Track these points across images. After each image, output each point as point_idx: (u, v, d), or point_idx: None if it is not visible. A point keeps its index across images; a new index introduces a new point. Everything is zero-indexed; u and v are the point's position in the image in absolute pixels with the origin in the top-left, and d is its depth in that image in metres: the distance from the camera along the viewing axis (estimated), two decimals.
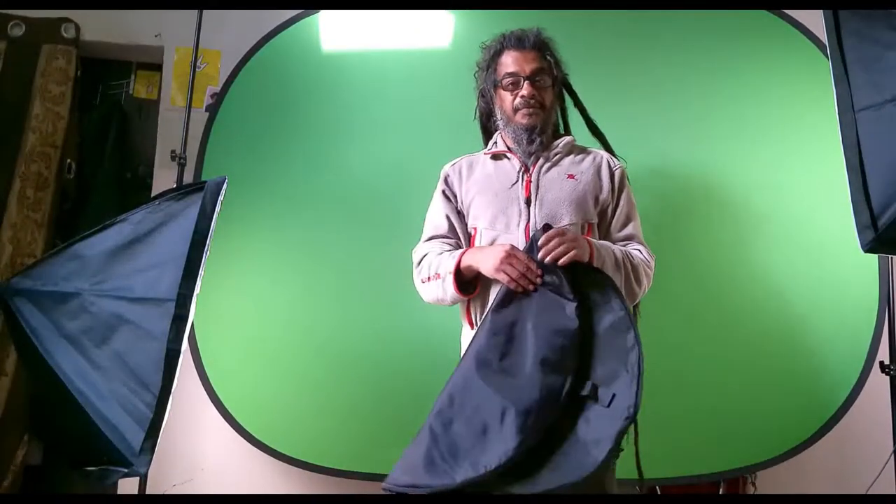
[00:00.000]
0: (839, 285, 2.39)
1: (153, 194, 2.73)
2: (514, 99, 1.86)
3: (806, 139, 2.47)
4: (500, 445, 1.37)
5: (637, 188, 2.47)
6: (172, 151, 2.50)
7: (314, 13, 2.67)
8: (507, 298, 1.62)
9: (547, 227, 1.67)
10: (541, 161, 1.87)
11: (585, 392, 1.48)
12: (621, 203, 1.90)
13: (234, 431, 2.43)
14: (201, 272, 2.04)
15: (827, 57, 1.62)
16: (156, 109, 2.97)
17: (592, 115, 2.05)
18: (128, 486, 2.47)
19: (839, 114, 1.51)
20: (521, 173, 1.86)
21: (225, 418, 2.43)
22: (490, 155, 1.94)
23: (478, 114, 2.04)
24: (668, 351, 2.39)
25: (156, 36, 2.92)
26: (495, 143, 1.97)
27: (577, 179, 1.85)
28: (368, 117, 2.59)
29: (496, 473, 1.37)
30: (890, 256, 2.30)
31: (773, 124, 2.50)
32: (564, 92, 2.01)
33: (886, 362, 2.22)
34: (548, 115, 1.89)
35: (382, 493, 1.46)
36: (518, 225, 1.79)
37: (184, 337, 1.98)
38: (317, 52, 2.66)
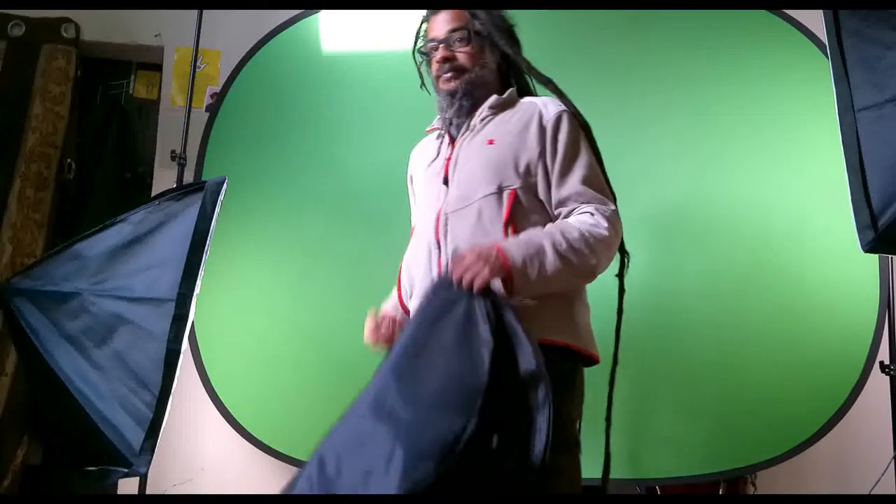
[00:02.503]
0: (839, 285, 2.39)
1: (153, 194, 2.73)
2: (434, 66, 1.67)
3: (806, 139, 2.47)
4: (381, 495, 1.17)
5: (634, 187, 2.48)
6: (172, 151, 2.50)
7: (314, 13, 2.67)
8: (425, 320, 1.36)
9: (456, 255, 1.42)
10: (466, 130, 1.64)
11: (493, 445, 1.20)
12: (558, 155, 1.54)
13: (234, 431, 2.43)
14: (201, 272, 2.04)
15: (827, 57, 1.62)
16: (156, 109, 2.97)
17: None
18: (128, 486, 2.47)
19: (839, 113, 1.51)
20: (440, 148, 1.68)
21: (225, 418, 2.43)
22: (435, 133, 1.76)
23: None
24: (668, 352, 2.40)
25: (156, 36, 2.92)
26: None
27: (496, 144, 1.57)
28: (369, 117, 2.59)
29: None
30: (890, 256, 2.30)
31: (772, 124, 2.50)
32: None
33: (886, 362, 2.22)
34: (473, 75, 1.63)
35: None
36: (434, 209, 1.60)
37: (184, 337, 1.99)
38: (317, 52, 2.66)
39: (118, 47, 2.98)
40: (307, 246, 2.53)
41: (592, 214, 1.48)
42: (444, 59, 1.64)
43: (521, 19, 2.03)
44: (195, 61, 2.58)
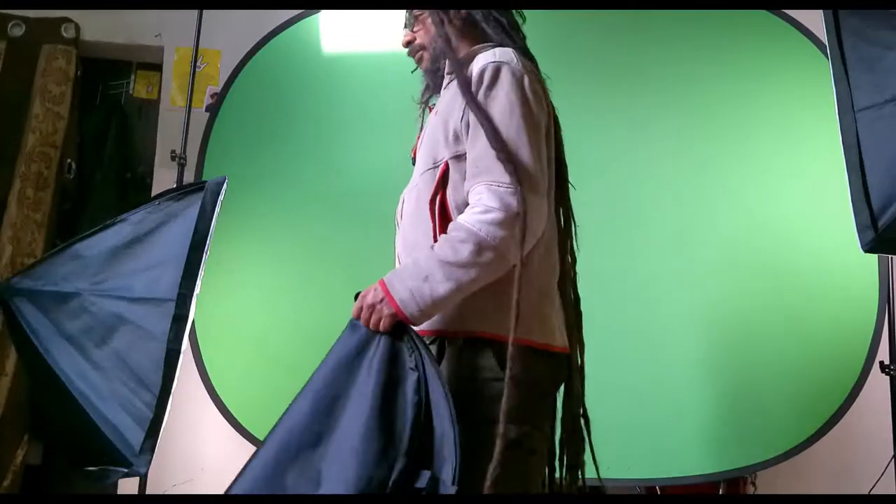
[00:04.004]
0: (839, 285, 2.39)
1: (153, 194, 2.74)
2: None
3: (805, 139, 2.47)
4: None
5: (634, 186, 2.48)
6: (172, 151, 2.50)
7: (314, 13, 2.67)
8: (347, 355, 1.35)
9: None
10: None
11: (421, 484, 1.17)
12: (472, 119, 1.32)
13: (234, 431, 2.43)
14: (201, 272, 2.04)
15: (827, 57, 1.62)
16: (156, 109, 2.97)
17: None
18: (128, 486, 2.47)
19: (839, 114, 1.51)
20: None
21: (225, 418, 2.43)
22: None
23: None
24: (669, 352, 2.39)
25: (156, 36, 2.92)
26: None
27: (438, 114, 1.44)
28: (369, 116, 2.59)
29: None
30: (890, 256, 2.30)
31: (772, 124, 2.50)
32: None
33: (886, 362, 2.22)
34: (434, 51, 1.50)
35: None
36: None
37: (184, 337, 1.98)
38: (317, 52, 2.66)
39: (118, 47, 2.98)
40: (307, 246, 2.54)
41: (477, 203, 1.27)
42: (406, 44, 1.55)
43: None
44: (195, 61, 2.57)
